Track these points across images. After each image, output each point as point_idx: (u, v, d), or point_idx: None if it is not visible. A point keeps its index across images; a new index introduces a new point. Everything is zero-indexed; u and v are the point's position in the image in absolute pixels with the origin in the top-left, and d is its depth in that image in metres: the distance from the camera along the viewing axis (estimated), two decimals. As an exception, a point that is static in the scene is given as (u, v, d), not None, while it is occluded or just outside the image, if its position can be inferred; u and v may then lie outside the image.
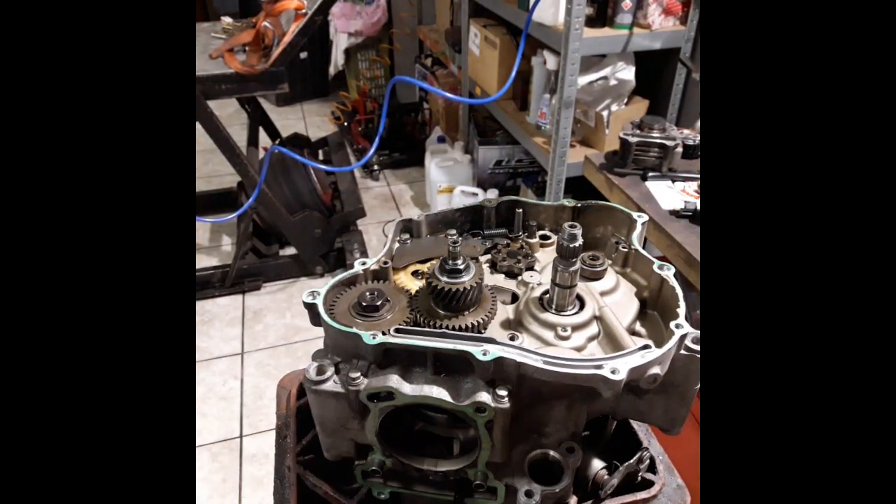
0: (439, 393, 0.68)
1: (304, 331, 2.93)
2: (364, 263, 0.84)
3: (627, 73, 2.55)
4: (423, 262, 0.91)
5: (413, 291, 0.81)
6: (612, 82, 2.57)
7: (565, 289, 0.76)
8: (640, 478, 0.91)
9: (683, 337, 0.71)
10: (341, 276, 0.81)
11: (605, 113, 2.47)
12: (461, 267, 0.75)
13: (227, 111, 4.92)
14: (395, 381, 0.69)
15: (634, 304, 0.82)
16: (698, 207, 1.67)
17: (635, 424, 0.96)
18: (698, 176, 1.85)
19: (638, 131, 1.88)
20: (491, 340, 0.68)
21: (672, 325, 0.71)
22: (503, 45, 2.90)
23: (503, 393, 0.67)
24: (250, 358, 2.78)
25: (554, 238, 0.95)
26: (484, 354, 0.66)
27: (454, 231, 0.91)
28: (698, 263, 1.52)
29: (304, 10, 2.47)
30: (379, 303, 0.76)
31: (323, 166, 3.08)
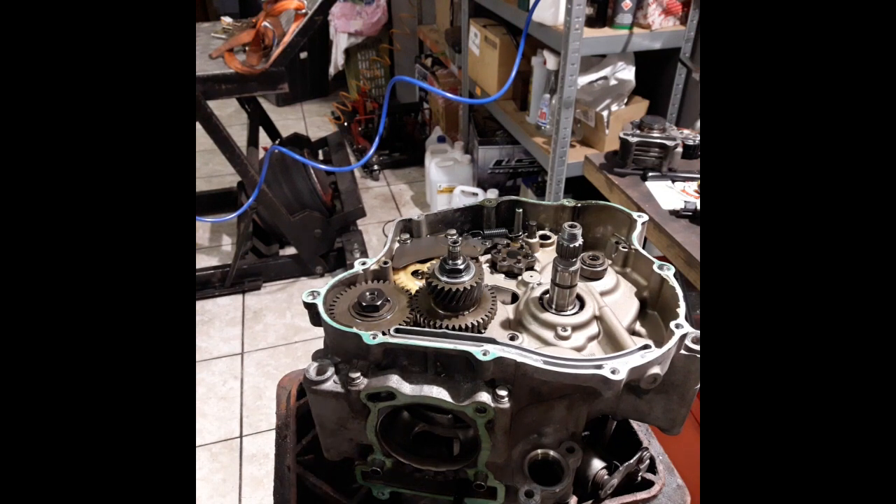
0: (439, 393, 0.68)
1: (304, 331, 2.93)
2: (364, 263, 0.84)
3: (627, 73, 2.55)
4: (423, 262, 0.91)
5: (413, 291, 0.81)
6: (612, 82, 2.57)
7: (565, 289, 0.76)
8: (640, 478, 0.91)
9: (683, 337, 0.71)
10: (341, 276, 0.81)
11: (605, 113, 2.47)
12: (461, 267, 0.75)
13: (227, 111, 4.92)
14: (395, 381, 0.69)
15: (634, 304, 0.82)
16: (698, 207, 1.67)
17: (635, 424, 0.96)
18: (698, 176, 1.85)
19: (638, 131, 1.88)
20: (491, 340, 0.68)
21: (672, 325, 0.71)
22: (503, 45, 2.90)
23: (503, 393, 0.67)
24: (250, 358, 2.78)
25: (554, 238, 0.95)
26: (484, 354, 0.66)
27: (454, 231, 0.91)
28: (698, 263, 1.52)
29: (304, 10, 2.47)
30: (379, 303, 0.76)
31: (323, 166, 3.08)
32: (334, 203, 3.43)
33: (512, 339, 0.74)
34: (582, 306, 0.78)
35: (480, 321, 0.75)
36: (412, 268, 0.90)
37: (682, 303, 0.75)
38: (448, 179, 3.59)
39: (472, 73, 3.34)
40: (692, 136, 1.90)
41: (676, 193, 1.81)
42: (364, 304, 0.75)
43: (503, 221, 0.97)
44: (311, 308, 0.74)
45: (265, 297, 3.13)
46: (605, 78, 2.58)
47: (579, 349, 0.75)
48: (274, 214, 2.95)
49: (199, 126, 2.52)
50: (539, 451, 0.78)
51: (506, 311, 0.82)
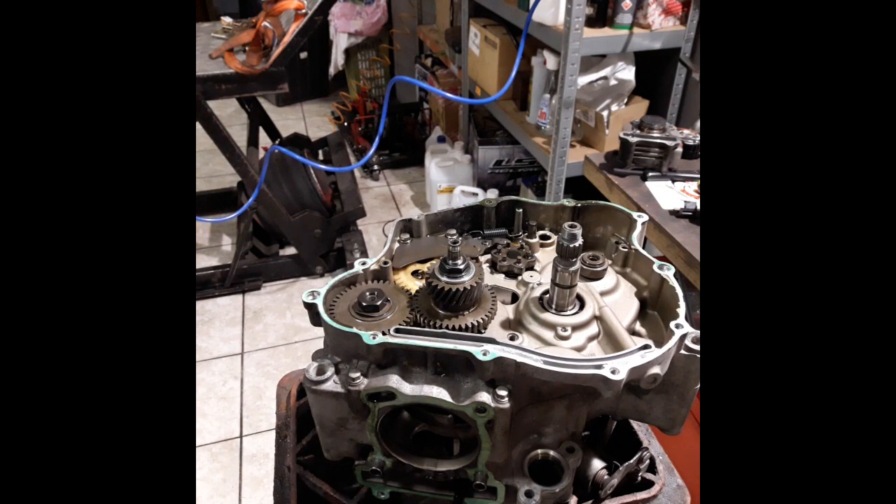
0: (439, 393, 0.68)
1: (304, 331, 2.93)
2: (364, 263, 0.84)
3: (627, 73, 2.55)
4: (423, 262, 0.91)
5: (413, 291, 0.81)
6: (612, 82, 2.57)
7: (565, 289, 0.76)
8: (640, 478, 0.91)
9: (683, 337, 0.71)
10: (341, 276, 0.81)
11: (605, 113, 2.47)
12: (461, 267, 0.74)
13: (227, 111, 4.92)
14: (395, 381, 0.69)
15: (634, 304, 0.82)
16: (698, 207, 1.67)
17: (635, 424, 0.96)
18: (698, 176, 1.85)
19: (638, 131, 1.88)
20: (491, 340, 0.68)
21: (672, 325, 0.71)
22: (503, 45, 2.90)
23: (503, 393, 0.67)
24: (250, 358, 2.78)
25: (554, 238, 0.95)
26: (484, 354, 0.66)
27: (454, 231, 0.91)
28: (698, 263, 1.52)
29: (304, 10, 2.47)
30: (379, 303, 0.76)
31: (323, 166, 3.07)
32: (334, 203, 3.43)
33: (512, 339, 0.74)
34: (582, 306, 0.78)
35: (480, 321, 0.75)
36: (412, 268, 0.90)
37: (682, 303, 0.75)
38: (448, 179, 3.59)
39: (472, 73, 3.34)
40: (692, 136, 1.90)
41: (676, 193, 1.81)
42: (364, 304, 0.75)
43: (503, 221, 0.97)
44: (311, 308, 0.74)
45: (265, 297, 3.13)
46: (605, 78, 2.58)
47: (579, 349, 0.75)
48: (274, 214, 2.95)
49: (199, 126, 2.52)
50: (539, 451, 0.78)
51: (506, 311, 0.82)
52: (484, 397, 0.67)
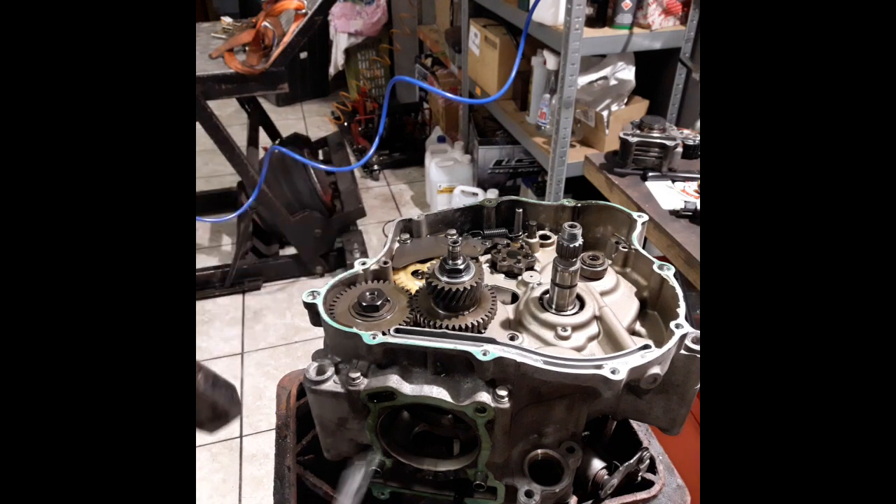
0: (439, 393, 0.68)
1: (304, 331, 2.93)
2: (364, 263, 0.84)
3: (627, 73, 2.55)
4: (423, 262, 0.91)
5: (413, 291, 0.81)
6: (612, 82, 2.57)
7: (565, 289, 0.76)
8: (640, 478, 0.91)
9: (683, 337, 0.71)
10: (341, 276, 0.81)
11: (605, 113, 2.47)
12: (461, 267, 0.75)
13: (227, 111, 4.92)
14: (395, 381, 0.69)
15: (634, 304, 0.82)
16: (698, 207, 1.67)
17: (635, 424, 0.96)
18: (698, 176, 1.85)
19: (638, 131, 1.88)
20: (491, 340, 0.68)
21: (672, 325, 0.71)
22: (503, 45, 2.90)
23: (503, 393, 0.67)
24: (250, 358, 2.78)
25: (554, 238, 0.95)
26: (484, 354, 0.66)
27: (454, 231, 0.91)
28: (698, 263, 1.52)
29: (304, 10, 2.47)
30: (379, 303, 0.76)
31: (323, 166, 3.07)
32: (334, 203, 3.43)
33: (512, 339, 0.74)
34: (582, 306, 0.78)
35: (480, 321, 0.75)
36: (412, 268, 0.90)
37: (682, 303, 0.75)
38: (448, 179, 3.59)
39: (472, 73, 3.34)
40: (692, 136, 1.90)
41: (676, 193, 1.81)
42: (364, 304, 0.75)
43: (503, 221, 0.97)
44: (311, 308, 0.74)
45: (265, 297, 3.13)
46: (605, 78, 2.58)
47: (579, 349, 0.75)
48: (274, 214, 2.95)
49: (199, 126, 2.52)
50: (539, 451, 0.78)
51: (506, 311, 0.82)
52: (484, 397, 0.67)
